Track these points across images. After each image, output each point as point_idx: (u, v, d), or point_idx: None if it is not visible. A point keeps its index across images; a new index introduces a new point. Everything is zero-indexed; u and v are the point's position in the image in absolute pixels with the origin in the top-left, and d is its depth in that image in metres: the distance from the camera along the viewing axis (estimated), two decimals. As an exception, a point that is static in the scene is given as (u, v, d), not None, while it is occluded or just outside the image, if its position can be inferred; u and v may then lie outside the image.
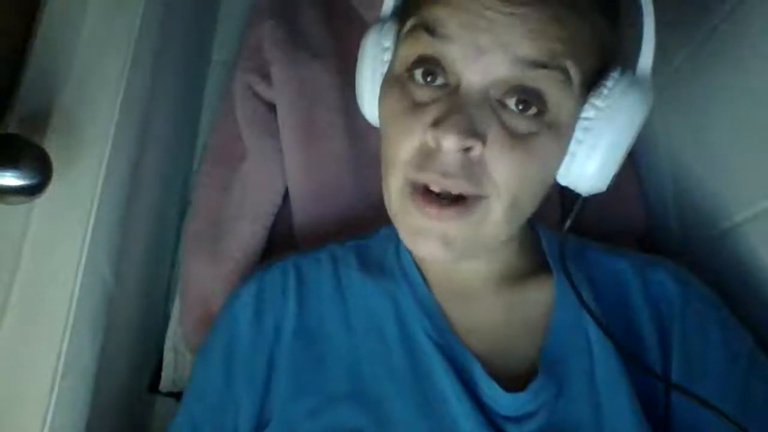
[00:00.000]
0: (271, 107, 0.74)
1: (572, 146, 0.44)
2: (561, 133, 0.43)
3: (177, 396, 0.66)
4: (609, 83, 0.43)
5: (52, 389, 0.48)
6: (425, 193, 0.43)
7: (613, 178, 0.45)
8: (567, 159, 0.44)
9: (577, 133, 0.44)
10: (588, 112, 0.43)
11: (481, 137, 0.41)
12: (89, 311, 0.52)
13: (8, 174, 0.44)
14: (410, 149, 0.43)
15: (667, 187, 0.65)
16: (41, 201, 0.49)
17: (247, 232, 0.69)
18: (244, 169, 0.72)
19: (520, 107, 0.42)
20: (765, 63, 0.51)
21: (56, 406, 0.48)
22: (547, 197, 0.48)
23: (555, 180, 0.47)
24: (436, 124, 0.41)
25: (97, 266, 0.53)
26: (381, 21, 0.49)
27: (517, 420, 0.46)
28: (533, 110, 0.42)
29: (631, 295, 0.51)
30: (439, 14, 0.42)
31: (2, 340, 0.49)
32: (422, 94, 0.43)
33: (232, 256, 0.67)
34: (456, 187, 0.42)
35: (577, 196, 0.47)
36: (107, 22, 0.57)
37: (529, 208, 0.46)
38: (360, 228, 0.60)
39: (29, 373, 0.48)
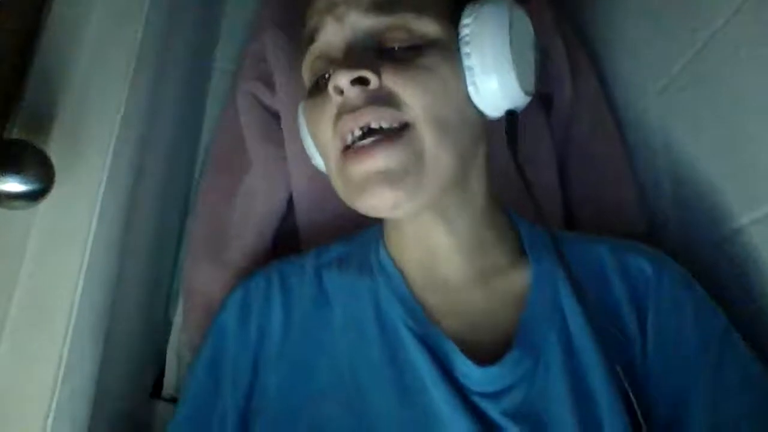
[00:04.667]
0: (275, 115, 0.74)
1: (465, 62, 0.48)
2: (442, 47, 0.48)
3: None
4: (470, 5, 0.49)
5: (53, 394, 0.48)
6: (353, 147, 0.46)
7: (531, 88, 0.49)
8: (468, 76, 0.48)
9: (463, 49, 0.48)
10: (462, 30, 0.48)
11: (373, 69, 0.45)
12: (90, 316, 0.52)
13: (11, 179, 0.44)
14: (328, 127, 0.48)
15: (666, 190, 0.65)
16: (43, 206, 0.49)
17: (251, 240, 0.69)
18: (248, 177, 0.72)
19: (395, 46, 0.47)
20: (763, 67, 0.51)
21: (57, 411, 0.48)
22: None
23: (474, 106, 0.49)
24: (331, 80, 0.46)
25: (98, 271, 0.53)
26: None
27: (494, 396, 0.46)
28: (406, 42, 0.47)
29: (609, 277, 0.52)
30: (310, 22, 0.50)
31: (4, 345, 0.49)
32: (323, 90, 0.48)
33: (236, 263, 0.68)
34: (372, 116, 0.45)
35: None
36: (111, 29, 0.58)
37: (462, 134, 0.48)
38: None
39: (30, 378, 0.48)
